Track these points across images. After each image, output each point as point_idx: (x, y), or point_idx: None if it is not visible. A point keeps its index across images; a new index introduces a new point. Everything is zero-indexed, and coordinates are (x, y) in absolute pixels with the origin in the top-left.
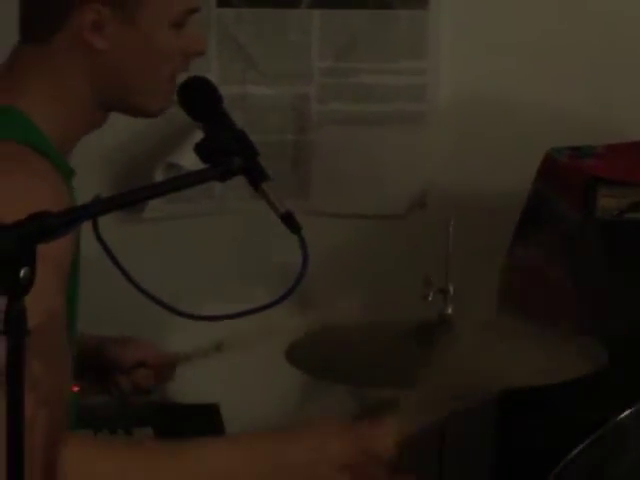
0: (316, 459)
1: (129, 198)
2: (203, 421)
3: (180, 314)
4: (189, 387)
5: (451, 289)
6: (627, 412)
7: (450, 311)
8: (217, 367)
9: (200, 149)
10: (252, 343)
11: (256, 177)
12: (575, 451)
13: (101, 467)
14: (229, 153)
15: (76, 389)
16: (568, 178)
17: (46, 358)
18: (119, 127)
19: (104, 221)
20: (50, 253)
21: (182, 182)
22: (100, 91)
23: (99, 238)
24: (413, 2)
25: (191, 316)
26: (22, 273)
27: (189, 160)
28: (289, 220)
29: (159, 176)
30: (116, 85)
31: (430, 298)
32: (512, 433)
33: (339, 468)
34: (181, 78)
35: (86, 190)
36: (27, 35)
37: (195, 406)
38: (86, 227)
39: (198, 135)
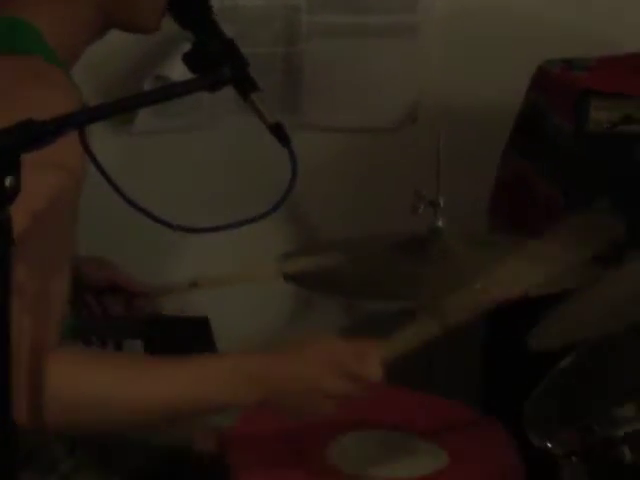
0: (301, 380)
1: (116, 107)
2: (193, 334)
3: (171, 227)
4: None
5: (441, 202)
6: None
7: (441, 224)
8: None
9: (188, 58)
10: (228, 279)
11: (245, 87)
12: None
13: (86, 380)
14: (218, 63)
15: None
16: (561, 90)
17: (47, 265)
18: (107, 39)
19: (93, 137)
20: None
21: (170, 92)
22: (105, 5)
23: (86, 148)
24: None
25: (182, 228)
26: (7, 182)
27: (178, 72)
28: (278, 131)
29: (147, 88)
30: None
31: (421, 211)
32: (501, 346)
33: (325, 394)
34: None
35: None
36: None
37: (185, 319)
38: None
39: (187, 47)
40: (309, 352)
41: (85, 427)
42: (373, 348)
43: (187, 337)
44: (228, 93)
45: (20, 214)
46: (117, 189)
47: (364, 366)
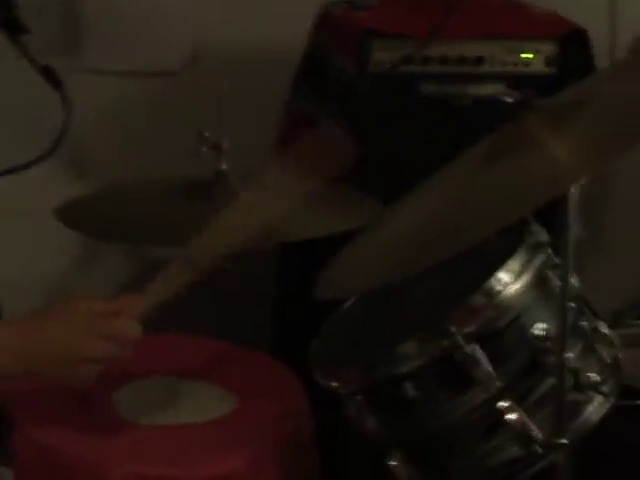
0: (60, 348)
1: None
2: None
3: None
4: None
5: (225, 145)
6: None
7: (224, 167)
8: None
9: None
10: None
11: (14, 29)
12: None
13: None
14: None
15: None
16: (343, 31)
17: None
18: None
19: None
20: None
21: None
22: None
23: None
24: None
25: None
26: None
27: None
28: (49, 75)
29: None
30: None
31: (204, 154)
32: (290, 289)
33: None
34: None
35: None
36: None
37: None
38: None
39: None
40: (67, 317)
41: None
42: (129, 305)
43: None
44: None
45: None
46: None
47: (120, 325)
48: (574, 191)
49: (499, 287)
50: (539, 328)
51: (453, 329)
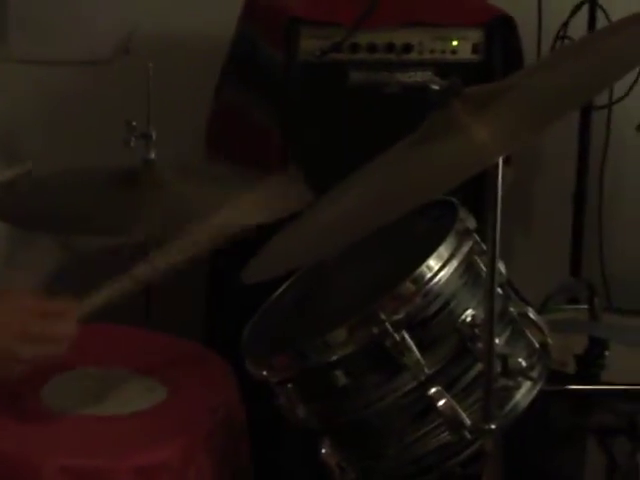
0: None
1: None
2: None
3: None
4: None
5: (153, 134)
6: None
7: (153, 156)
8: None
9: None
10: None
11: None
12: (283, 287)
13: None
14: None
15: None
16: (271, 19)
17: None
18: None
19: None
20: None
21: None
22: None
23: None
24: None
25: None
26: None
27: None
28: None
29: None
30: None
31: (132, 144)
32: (222, 280)
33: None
34: None
35: None
36: None
37: None
38: None
39: None
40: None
41: None
42: (67, 306)
43: None
44: None
45: None
46: None
47: (54, 327)
48: (499, 179)
49: (428, 274)
50: (468, 314)
51: (383, 316)
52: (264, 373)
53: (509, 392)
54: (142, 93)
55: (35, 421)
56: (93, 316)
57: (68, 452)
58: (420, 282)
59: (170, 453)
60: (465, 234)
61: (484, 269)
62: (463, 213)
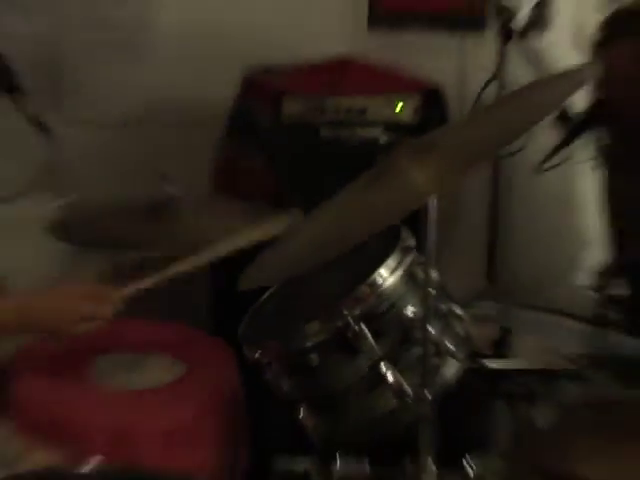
0: (59, 307)
1: None
2: None
3: None
4: None
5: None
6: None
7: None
8: None
9: None
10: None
11: (13, 92)
12: (269, 291)
13: None
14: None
15: None
16: (263, 92)
17: None
18: None
19: None
20: None
21: None
22: None
23: None
24: None
25: None
26: None
27: None
28: (40, 125)
29: None
30: None
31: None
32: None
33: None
34: None
35: None
36: None
37: None
38: None
39: None
40: (61, 291)
41: None
42: (108, 293)
43: None
44: None
45: None
46: None
47: (101, 308)
48: (432, 208)
49: (380, 280)
50: (410, 310)
51: (345, 312)
52: (257, 355)
53: (440, 369)
54: (165, 146)
55: (83, 392)
56: (127, 302)
57: (108, 416)
58: (374, 286)
59: (187, 417)
60: (407, 250)
61: (422, 276)
62: (405, 234)
